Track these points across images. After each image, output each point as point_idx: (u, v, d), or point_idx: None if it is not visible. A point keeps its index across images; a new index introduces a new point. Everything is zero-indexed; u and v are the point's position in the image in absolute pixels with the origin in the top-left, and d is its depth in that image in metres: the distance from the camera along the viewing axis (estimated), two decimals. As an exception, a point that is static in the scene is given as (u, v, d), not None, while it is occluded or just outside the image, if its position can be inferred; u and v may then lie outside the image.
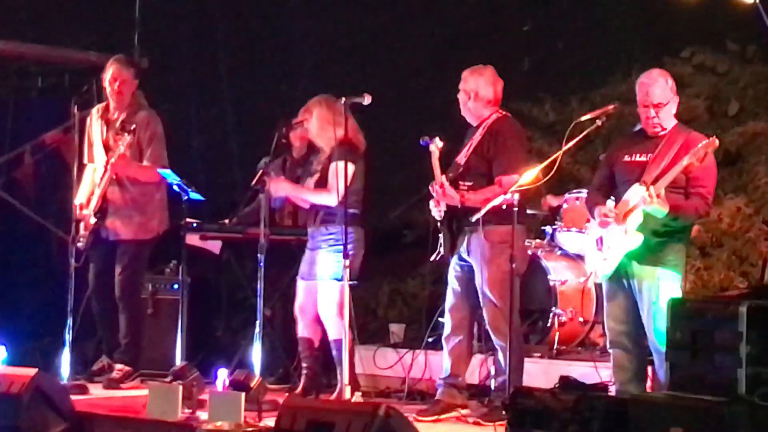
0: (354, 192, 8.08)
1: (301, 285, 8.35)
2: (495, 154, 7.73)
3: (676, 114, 7.29)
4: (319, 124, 8.23)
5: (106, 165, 8.84)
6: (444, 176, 7.82)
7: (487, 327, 7.79)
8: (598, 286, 8.88)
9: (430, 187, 7.88)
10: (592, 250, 7.35)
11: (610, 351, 7.39)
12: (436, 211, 7.86)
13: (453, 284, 7.95)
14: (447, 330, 7.95)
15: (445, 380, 7.86)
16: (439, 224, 7.91)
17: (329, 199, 8.08)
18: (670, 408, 5.96)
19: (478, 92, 7.87)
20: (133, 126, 8.76)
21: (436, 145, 7.86)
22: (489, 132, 7.83)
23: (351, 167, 8.05)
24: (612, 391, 7.05)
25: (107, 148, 8.90)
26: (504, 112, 7.98)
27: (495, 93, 7.90)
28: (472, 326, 7.96)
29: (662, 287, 7.02)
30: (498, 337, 7.73)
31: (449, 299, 7.96)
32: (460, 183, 7.82)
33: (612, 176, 7.37)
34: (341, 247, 7.87)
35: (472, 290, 7.79)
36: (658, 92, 7.17)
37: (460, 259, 7.88)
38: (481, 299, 7.76)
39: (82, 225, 8.78)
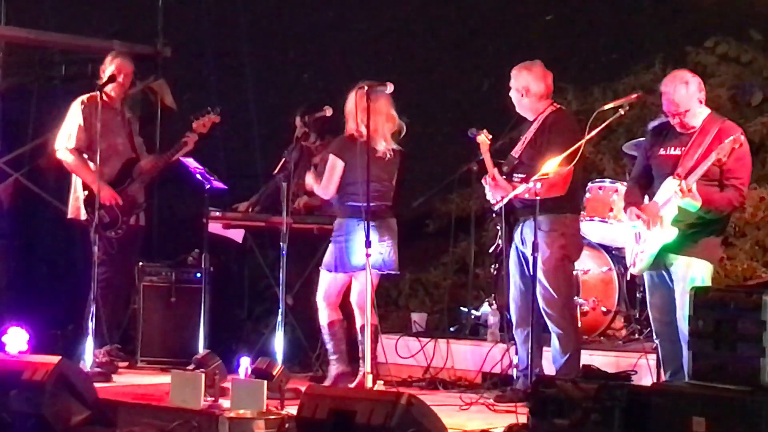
0: (348, 184, 8.04)
1: None
2: (548, 146, 7.73)
3: (705, 102, 7.29)
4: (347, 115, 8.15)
5: (132, 154, 9.16)
6: (496, 169, 7.88)
7: (543, 314, 7.80)
8: (621, 276, 8.93)
9: (483, 180, 7.93)
10: (631, 243, 7.40)
11: (656, 342, 7.40)
12: (492, 197, 7.90)
13: (514, 276, 7.99)
14: (514, 322, 8.00)
15: (523, 371, 7.87)
16: (495, 215, 8.02)
17: (318, 189, 8.27)
18: (693, 397, 5.94)
19: (529, 88, 7.90)
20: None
21: (486, 136, 7.92)
22: (543, 125, 7.88)
23: (337, 162, 8.03)
24: (634, 380, 7.04)
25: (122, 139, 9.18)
26: (558, 105, 8.04)
27: (546, 86, 7.95)
28: (537, 316, 7.89)
29: (694, 278, 7.07)
30: (553, 323, 7.81)
31: (512, 291, 8.00)
32: (515, 175, 7.86)
33: (649, 168, 7.42)
34: (337, 237, 8.09)
35: (531, 280, 7.78)
36: (678, 100, 7.19)
37: (517, 249, 7.93)
38: (537, 287, 7.74)
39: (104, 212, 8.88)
